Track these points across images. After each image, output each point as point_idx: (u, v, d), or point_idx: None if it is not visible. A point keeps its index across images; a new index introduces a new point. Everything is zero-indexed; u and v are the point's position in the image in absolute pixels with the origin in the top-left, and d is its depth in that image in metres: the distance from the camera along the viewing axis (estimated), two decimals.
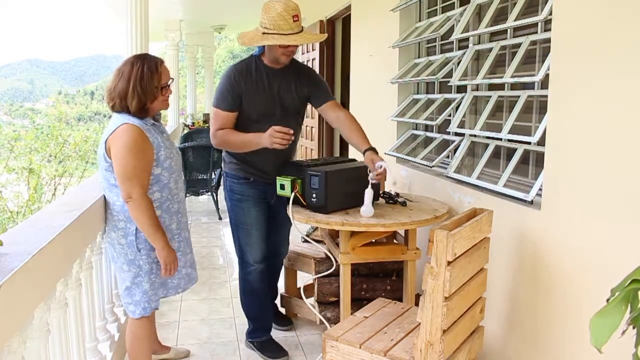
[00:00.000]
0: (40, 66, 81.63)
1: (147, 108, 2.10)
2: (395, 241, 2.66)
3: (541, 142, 2.00)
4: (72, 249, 1.90)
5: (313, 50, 6.00)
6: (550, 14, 1.91)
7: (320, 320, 2.64)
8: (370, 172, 2.32)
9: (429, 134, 3.19)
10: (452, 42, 2.94)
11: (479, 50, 2.64)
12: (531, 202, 2.02)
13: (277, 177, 2.39)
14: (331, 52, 5.85)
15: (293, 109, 2.56)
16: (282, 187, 2.37)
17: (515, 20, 2.18)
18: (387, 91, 3.60)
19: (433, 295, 1.64)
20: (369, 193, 2.26)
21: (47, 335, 1.60)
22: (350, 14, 4.74)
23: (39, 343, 1.55)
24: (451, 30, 2.78)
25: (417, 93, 3.40)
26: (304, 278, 3.05)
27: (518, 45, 2.25)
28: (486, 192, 2.31)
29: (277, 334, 2.87)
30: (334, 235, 2.65)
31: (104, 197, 2.19)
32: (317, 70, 5.66)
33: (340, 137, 6.05)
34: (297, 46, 2.46)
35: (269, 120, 2.42)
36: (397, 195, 2.57)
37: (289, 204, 2.33)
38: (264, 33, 2.34)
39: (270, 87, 2.49)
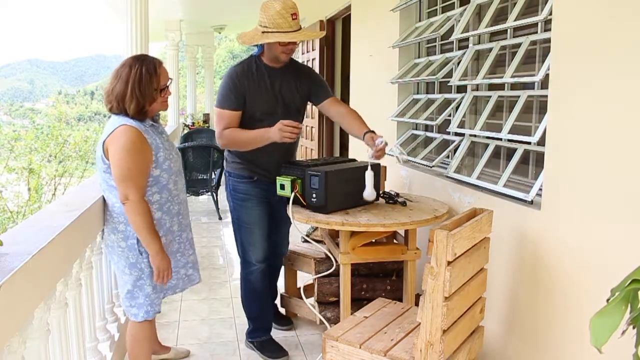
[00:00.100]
0: (40, 66, 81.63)
1: (146, 110, 2.07)
2: (395, 241, 2.66)
3: (541, 142, 2.00)
4: (72, 249, 1.90)
5: (313, 50, 6.00)
6: (550, 14, 1.91)
7: (320, 320, 2.64)
8: (369, 149, 2.33)
9: (429, 134, 3.19)
10: (452, 42, 2.94)
11: (479, 50, 2.64)
12: (531, 202, 2.02)
13: (277, 177, 2.40)
14: (331, 52, 5.85)
15: (294, 107, 2.58)
16: (282, 187, 2.37)
17: (515, 20, 2.18)
18: (387, 91, 3.60)
19: (433, 295, 1.64)
20: (369, 175, 2.27)
21: (47, 335, 1.60)
22: (350, 14, 4.74)
23: (39, 343, 1.55)
24: (451, 30, 2.78)
25: (417, 93, 3.40)
26: (304, 278, 3.05)
27: (518, 45, 2.25)
28: (486, 192, 2.31)
29: (277, 334, 2.87)
30: (334, 235, 2.65)
31: (103, 198, 2.18)
32: (317, 70, 5.66)
33: (340, 137, 6.07)
34: (296, 44, 2.49)
35: (271, 118, 2.43)
36: (397, 195, 2.57)
37: (289, 204, 2.33)
38: (263, 32, 2.37)
39: (272, 86, 2.51)
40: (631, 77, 1.52)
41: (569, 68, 1.80)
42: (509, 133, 2.21)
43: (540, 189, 1.96)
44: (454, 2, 2.98)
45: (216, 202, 5.96)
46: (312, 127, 6.13)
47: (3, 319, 1.25)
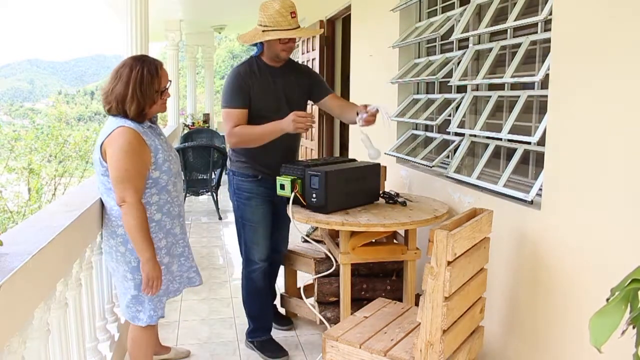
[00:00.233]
0: (40, 66, 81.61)
1: (145, 112, 2.04)
2: (395, 241, 2.66)
3: (541, 142, 2.00)
4: (72, 249, 1.90)
5: (313, 50, 6.00)
6: (550, 14, 1.91)
7: (320, 320, 2.64)
8: (360, 114, 2.38)
9: (429, 134, 3.19)
10: (452, 42, 2.94)
11: (479, 50, 2.64)
12: (531, 202, 2.02)
13: (277, 177, 2.40)
14: (331, 52, 5.85)
15: (297, 105, 2.62)
16: (282, 187, 2.38)
17: (515, 20, 2.18)
18: (387, 91, 3.60)
19: (433, 295, 1.64)
20: (365, 139, 2.35)
21: (47, 335, 1.60)
22: (350, 14, 4.74)
23: (39, 343, 1.55)
24: (451, 30, 2.78)
25: (417, 93, 3.40)
26: (304, 278, 3.05)
27: (518, 45, 2.25)
28: (486, 192, 2.31)
29: (277, 334, 2.87)
30: (334, 235, 2.66)
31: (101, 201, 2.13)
32: (317, 70, 5.66)
33: (341, 137, 6.07)
34: (295, 41, 2.54)
35: (276, 116, 2.46)
36: (397, 195, 2.57)
37: (289, 203, 2.33)
38: (263, 31, 2.43)
39: (275, 84, 2.56)
40: (631, 77, 1.52)
41: (569, 68, 1.80)
42: (509, 133, 2.21)
43: (540, 189, 1.96)
44: (454, 2, 2.98)
45: (216, 202, 5.97)
46: (312, 127, 6.12)
47: (3, 319, 1.25)
